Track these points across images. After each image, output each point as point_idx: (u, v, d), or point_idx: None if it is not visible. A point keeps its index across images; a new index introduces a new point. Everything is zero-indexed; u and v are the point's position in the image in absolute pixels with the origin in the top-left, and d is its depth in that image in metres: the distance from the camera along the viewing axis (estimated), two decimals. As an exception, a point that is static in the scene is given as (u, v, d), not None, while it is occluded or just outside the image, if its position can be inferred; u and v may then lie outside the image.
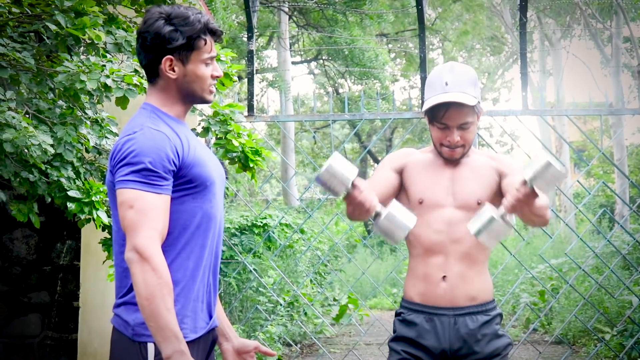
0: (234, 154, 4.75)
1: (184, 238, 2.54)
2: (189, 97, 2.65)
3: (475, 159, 3.32)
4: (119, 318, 2.54)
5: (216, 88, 4.48)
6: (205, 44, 2.60)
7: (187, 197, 2.54)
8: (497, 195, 3.25)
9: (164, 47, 2.58)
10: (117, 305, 2.56)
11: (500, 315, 3.29)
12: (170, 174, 2.47)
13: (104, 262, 4.72)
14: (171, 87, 2.63)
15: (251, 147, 4.81)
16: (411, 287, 3.29)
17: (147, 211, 2.41)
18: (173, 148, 2.48)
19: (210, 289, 2.69)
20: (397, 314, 3.34)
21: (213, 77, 2.66)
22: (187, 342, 2.48)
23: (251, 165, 4.83)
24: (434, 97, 3.16)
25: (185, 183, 2.53)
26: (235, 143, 4.69)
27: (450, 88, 3.14)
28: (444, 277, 3.18)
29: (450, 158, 3.25)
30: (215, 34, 2.66)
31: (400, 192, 3.35)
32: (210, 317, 2.69)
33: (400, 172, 3.34)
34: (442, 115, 3.16)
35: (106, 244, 4.35)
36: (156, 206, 2.43)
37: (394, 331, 3.32)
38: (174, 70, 2.60)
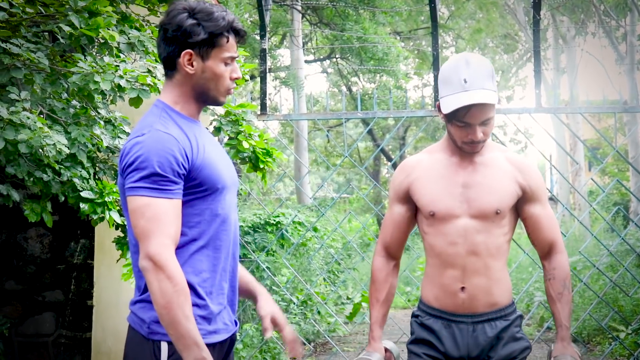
0: (245, 154, 4.75)
1: (196, 241, 2.52)
2: (203, 95, 2.60)
3: (492, 159, 3.20)
4: (134, 316, 2.53)
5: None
6: (228, 42, 2.56)
7: (197, 200, 2.52)
8: (515, 203, 3.18)
9: (184, 41, 2.55)
10: (133, 303, 2.55)
11: (520, 317, 3.23)
12: (180, 177, 2.44)
13: (117, 260, 4.74)
14: (187, 83, 2.59)
15: (262, 148, 4.81)
16: (428, 291, 3.23)
17: (159, 218, 2.39)
18: (182, 151, 2.45)
19: (230, 291, 2.66)
20: (414, 316, 3.29)
21: (232, 79, 2.61)
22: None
23: (262, 166, 4.83)
24: (454, 96, 3.03)
25: (195, 186, 2.50)
26: (246, 144, 4.69)
27: (469, 85, 3.00)
28: (463, 288, 3.12)
29: (471, 152, 3.14)
30: (239, 34, 2.61)
31: (414, 205, 3.29)
32: (233, 322, 2.67)
33: (407, 193, 3.27)
34: (464, 115, 3.03)
35: (120, 242, 4.37)
36: (167, 212, 2.41)
37: (412, 332, 3.27)
38: (192, 65, 2.56)
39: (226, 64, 2.59)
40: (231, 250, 2.66)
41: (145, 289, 2.51)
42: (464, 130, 3.08)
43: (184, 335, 2.34)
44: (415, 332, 3.24)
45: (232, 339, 2.68)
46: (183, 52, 2.56)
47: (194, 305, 2.49)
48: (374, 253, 3.40)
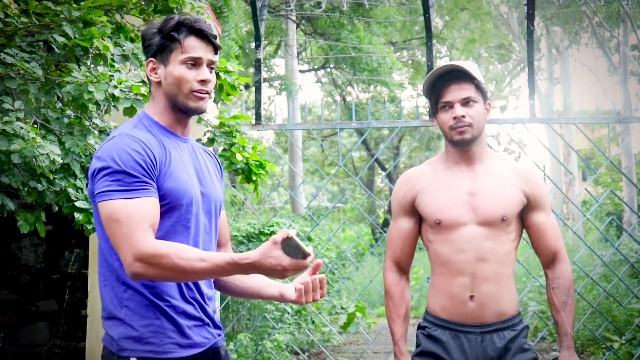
0: (238, 166, 4.75)
1: None
2: (174, 103, 2.55)
3: (495, 168, 3.24)
4: (106, 334, 2.49)
5: (222, 98, 4.48)
6: (182, 43, 2.52)
7: (162, 216, 2.45)
8: (521, 210, 3.21)
9: (148, 51, 2.57)
10: (103, 320, 2.51)
11: (527, 327, 3.23)
12: (150, 177, 2.39)
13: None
14: (160, 93, 2.57)
15: (255, 160, 4.82)
16: (435, 301, 3.23)
17: (133, 217, 2.32)
18: (149, 152, 2.41)
19: (203, 306, 2.58)
20: (421, 327, 3.28)
21: (199, 81, 2.53)
22: (175, 359, 2.44)
23: (254, 178, 4.84)
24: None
25: (160, 198, 2.43)
26: (239, 157, 4.70)
27: (449, 66, 3.17)
28: (472, 296, 3.12)
29: (462, 141, 3.16)
30: (199, 35, 2.55)
31: (419, 216, 3.30)
32: (214, 334, 2.61)
33: (413, 205, 3.28)
34: (442, 92, 3.17)
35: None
36: (141, 209, 2.34)
37: (418, 345, 3.26)
38: (156, 73, 2.56)
39: (189, 67, 2.53)
40: None
41: (108, 304, 2.48)
42: (448, 112, 3.17)
43: (214, 271, 2.30)
44: (422, 344, 3.23)
45: (214, 350, 2.60)
46: (147, 62, 2.58)
47: (163, 317, 2.45)
48: (385, 268, 3.38)
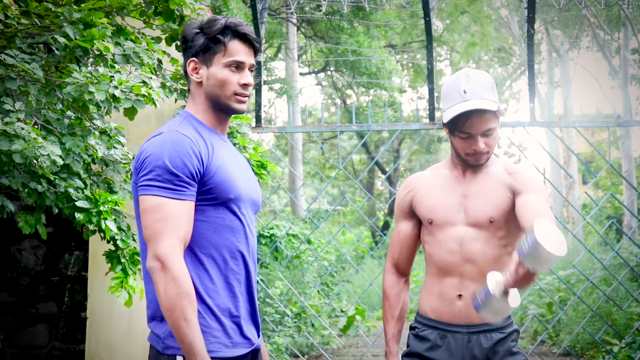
0: (239, 167, 4.76)
1: (206, 249, 2.50)
2: (215, 103, 2.61)
3: (492, 172, 3.21)
4: (152, 333, 2.52)
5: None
6: (227, 46, 2.57)
7: (208, 207, 2.50)
8: (512, 212, 3.11)
9: (189, 50, 2.61)
10: (149, 320, 2.55)
11: (517, 331, 3.19)
12: (193, 179, 2.44)
13: (106, 273, 4.71)
14: (200, 92, 2.62)
15: (257, 161, 4.81)
16: (426, 302, 3.24)
17: (169, 219, 2.39)
18: (197, 152, 2.46)
19: (249, 304, 2.62)
20: (412, 328, 3.29)
21: (240, 85, 2.59)
22: (220, 358, 2.46)
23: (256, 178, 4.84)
24: (454, 106, 3.06)
25: (206, 192, 2.48)
26: (240, 156, 4.71)
27: (469, 96, 3.04)
28: (460, 295, 3.12)
29: (476, 164, 3.15)
30: (243, 39, 2.61)
31: (419, 219, 3.30)
32: (255, 336, 2.63)
33: (411, 207, 3.29)
34: (464, 124, 3.05)
35: (110, 256, 4.34)
36: (179, 213, 2.41)
37: (408, 345, 3.27)
38: (198, 74, 2.61)
39: (232, 70, 2.59)
40: (250, 263, 2.63)
41: (153, 303, 2.51)
42: (467, 141, 3.10)
43: (182, 340, 2.33)
44: (410, 345, 3.25)
45: (254, 353, 2.64)
46: (188, 61, 2.62)
47: (207, 315, 2.48)
48: (384, 270, 3.41)
